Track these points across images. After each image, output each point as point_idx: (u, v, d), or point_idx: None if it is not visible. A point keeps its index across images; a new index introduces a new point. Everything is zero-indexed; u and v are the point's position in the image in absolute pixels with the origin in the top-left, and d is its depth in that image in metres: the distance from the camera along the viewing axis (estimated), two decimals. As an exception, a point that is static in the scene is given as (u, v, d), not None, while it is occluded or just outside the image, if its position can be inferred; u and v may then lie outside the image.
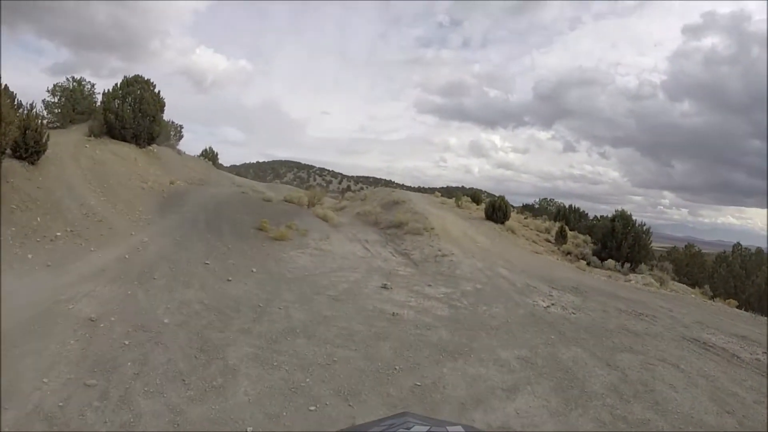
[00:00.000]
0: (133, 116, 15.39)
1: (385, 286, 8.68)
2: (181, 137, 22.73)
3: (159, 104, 16.15)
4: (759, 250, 18.82)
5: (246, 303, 7.09)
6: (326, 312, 7.06)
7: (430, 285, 9.31)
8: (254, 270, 8.75)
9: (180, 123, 23.15)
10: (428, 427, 1.20)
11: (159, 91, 16.22)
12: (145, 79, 16.19)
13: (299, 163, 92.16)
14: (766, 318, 11.26)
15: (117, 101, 15.45)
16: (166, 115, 18.08)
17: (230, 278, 8.09)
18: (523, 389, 5.47)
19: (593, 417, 5.04)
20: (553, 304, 9.06)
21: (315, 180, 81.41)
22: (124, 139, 15.17)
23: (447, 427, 1.23)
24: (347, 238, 12.55)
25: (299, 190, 19.56)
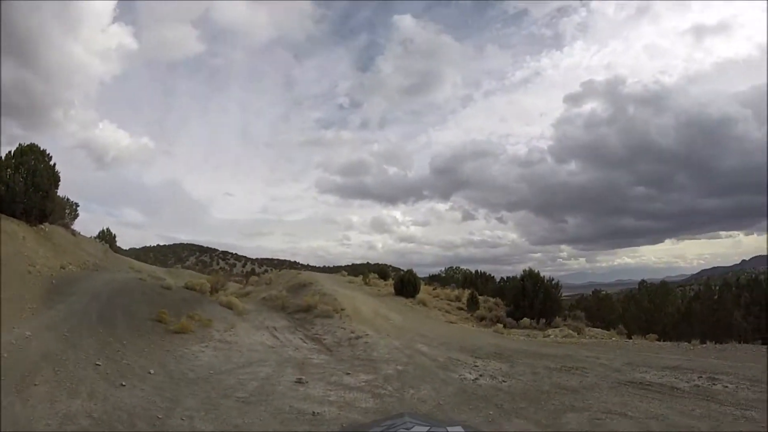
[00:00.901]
0: (25, 189, 15.87)
1: (300, 381, 8.99)
2: (76, 216, 23.30)
3: (54, 178, 16.87)
4: (663, 282, 22.60)
5: (142, 415, 6.82)
6: (237, 420, 6.98)
7: (348, 373, 9.71)
8: (152, 371, 8.75)
9: (76, 201, 23.63)
10: (428, 427, 1.41)
11: (54, 164, 16.98)
12: (41, 149, 16.87)
13: (202, 246, 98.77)
14: (687, 343, 13.10)
15: (9, 171, 15.83)
16: (62, 191, 18.86)
17: (124, 382, 7.98)
18: None
19: None
20: (481, 375, 9.59)
21: (218, 264, 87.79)
22: (12, 215, 15.46)
23: (447, 428, 1.47)
24: (254, 326, 13.32)
25: (201, 276, 20.93)
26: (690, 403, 7.64)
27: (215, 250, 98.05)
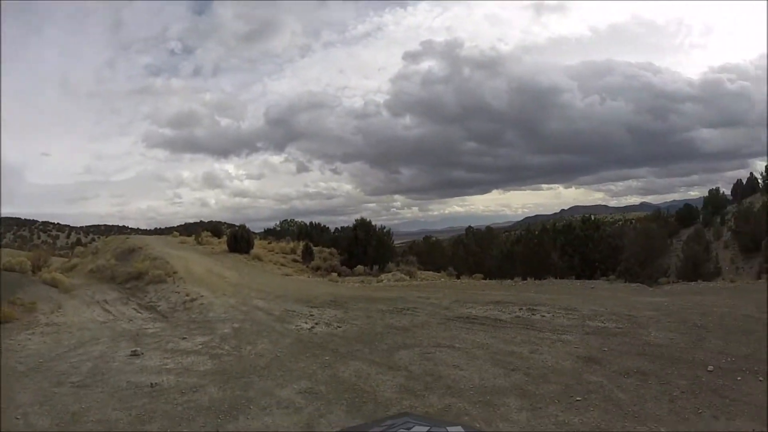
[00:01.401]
0: None
1: (135, 353, 9.17)
2: None
3: None
4: (489, 228, 26.07)
5: (-25, 422, 6.33)
6: (74, 407, 6.91)
7: (184, 338, 10.05)
8: (-23, 372, 8.19)
9: None
10: (428, 427, 1.50)
11: None
12: None
13: (19, 219, 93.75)
14: (510, 281, 15.27)
15: None
16: None
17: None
18: (317, 424, 5.87)
19: None
20: (317, 324, 10.33)
21: (39, 237, 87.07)
22: None
23: (447, 428, 1.54)
24: (83, 302, 13.36)
25: (21, 253, 19.71)
26: (512, 331, 8.93)
27: (35, 221, 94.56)
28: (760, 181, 45.72)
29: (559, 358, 7.48)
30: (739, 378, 6.41)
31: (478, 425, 5.19)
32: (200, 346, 9.35)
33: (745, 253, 30.88)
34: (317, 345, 8.86)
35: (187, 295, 13.41)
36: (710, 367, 6.75)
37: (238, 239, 22.25)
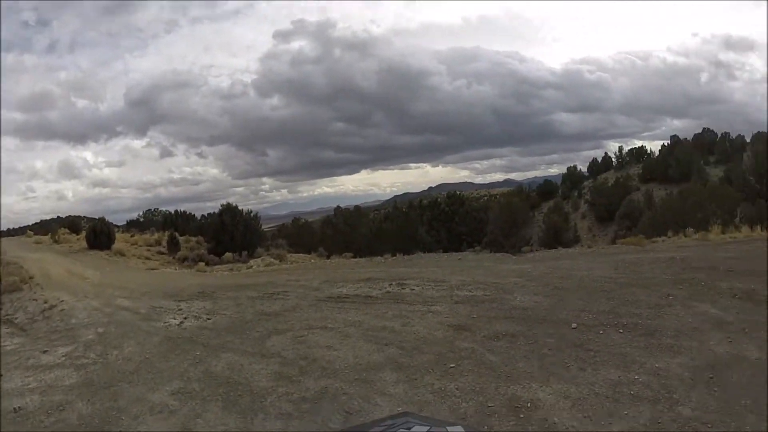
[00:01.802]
0: None
1: None
2: None
3: None
4: (357, 207, 26.05)
5: None
6: None
7: (46, 351, 9.11)
8: None
9: None
10: (428, 427, 1.52)
11: None
12: None
13: None
14: (380, 258, 15.32)
15: None
16: None
17: None
18: (194, 425, 5.51)
19: (275, 413, 5.52)
20: (185, 318, 9.72)
21: None
22: None
23: (447, 427, 1.58)
24: None
25: None
26: (383, 307, 8.83)
27: None
28: (613, 160, 51.67)
29: (430, 329, 7.49)
30: (601, 332, 6.79)
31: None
32: (63, 358, 8.54)
33: (600, 222, 34.49)
34: (187, 340, 8.34)
35: (46, 302, 12.19)
36: (574, 325, 7.08)
37: (97, 234, 20.91)
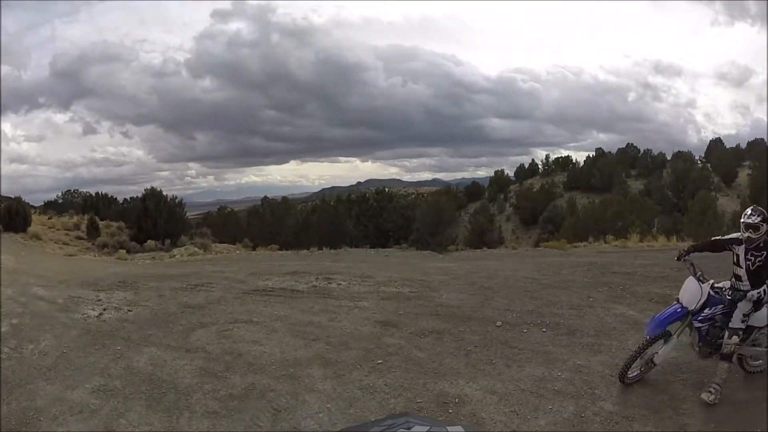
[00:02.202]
0: None
1: None
2: None
3: None
4: (284, 198, 25.60)
5: None
6: None
7: None
8: None
9: None
10: (428, 427, 1.65)
11: None
12: None
13: None
14: (307, 251, 15.16)
15: None
16: None
17: None
18: (117, 425, 5.27)
19: (202, 412, 5.34)
20: (105, 310, 9.14)
21: None
22: None
23: (447, 427, 1.71)
24: None
25: None
26: (310, 301, 8.72)
27: None
28: (540, 167, 53.77)
29: (357, 325, 7.47)
30: (525, 330, 6.99)
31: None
32: (-26, 353, 7.65)
33: (524, 225, 35.95)
34: (107, 334, 7.85)
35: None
36: (498, 323, 7.25)
37: (12, 216, 19.34)
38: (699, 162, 46.28)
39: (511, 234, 33.32)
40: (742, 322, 5.19)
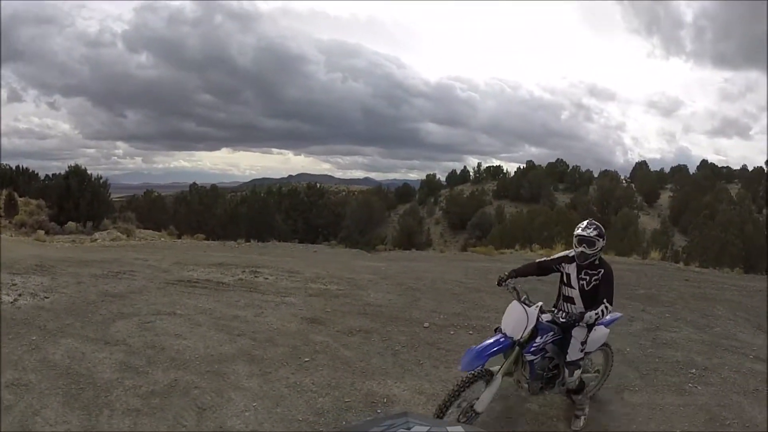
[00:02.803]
0: None
1: None
2: None
3: None
4: (214, 186, 25.09)
5: None
6: None
7: None
8: None
9: None
10: (428, 427, 1.65)
11: None
12: None
13: None
14: (234, 242, 14.89)
15: None
16: None
17: None
18: (32, 425, 4.91)
19: (122, 409, 5.10)
20: (20, 295, 8.58)
21: None
22: None
23: (447, 428, 1.72)
24: None
25: None
26: (235, 295, 8.56)
27: None
28: (471, 174, 55.46)
29: (284, 321, 7.39)
30: (452, 332, 7.15)
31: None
32: None
33: (453, 229, 36.96)
34: (22, 322, 7.35)
35: None
36: (426, 324, 7.38)
37: None
38: (624, 181, 49.60)
39: (440, 237, 34.30)
40: (581, 351, 4.77)
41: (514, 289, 4.77)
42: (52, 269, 10.30)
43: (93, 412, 5.08)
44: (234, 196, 28.61)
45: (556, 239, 18.96)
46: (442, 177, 56.71)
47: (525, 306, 4.60)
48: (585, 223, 4.83)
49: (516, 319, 4.56)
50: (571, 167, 53.52)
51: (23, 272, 10.04)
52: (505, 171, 54.15)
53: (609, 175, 49.73)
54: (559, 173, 52.30)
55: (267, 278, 9.78)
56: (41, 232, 17.21)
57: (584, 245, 4.68)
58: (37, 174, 27.79)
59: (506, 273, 4.90)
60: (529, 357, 4.59)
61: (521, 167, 52.85)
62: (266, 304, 8.10)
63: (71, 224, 18.63)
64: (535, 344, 4.60)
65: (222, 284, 9.27)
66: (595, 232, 4.67)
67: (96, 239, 16.56)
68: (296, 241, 17.03)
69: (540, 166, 52.81)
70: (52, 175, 26.12)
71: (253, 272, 10.12)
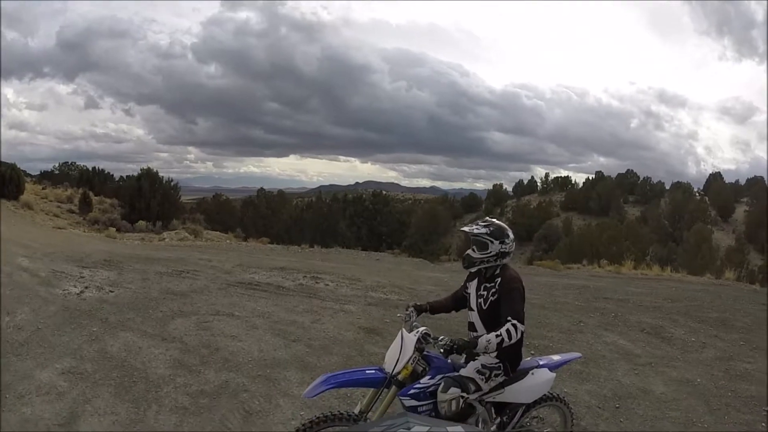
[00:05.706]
0: None
1: None
2: None
3: None
4: (281, 192, 25.65)
5: None
6: None
7: None
8: None
9: None
10: (428, 428, 1.82)
11: None
12: None
13: None
14: (297, 247, 15.00)
15: None
16: None
17: None
18: (81, 412, 4.96)
19: (170, 406, 5.09)
20: (86, 288, 8.94)
21: None
22: None
23: (447, 428, 1.93)
24: None
25: None
26: (295, 300, 8.52)
27: None
28: (538, 184, 54.23)
29: (341, 329, 7.26)
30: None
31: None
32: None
33: (519, 241, 36.01)
34: (85, 313, 7.61)
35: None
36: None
37: (6, 182, 19.32)
38: (697, 194, 46.56)
39: (506, 249, 33.65)
40: (478, 373, 3.50)
41: (409, 316, 3.74)
42: (119, 265, 10.66)
43: (141, 406, 5.11)
44: (300, 201, 29.11)
45: (626, 255, 18.04)
46: (509, 187, 55.63)
47: (404, 333, 3.52)
48: (479, 220, 3.72)
49: (392, 348, 3.51)
50: (641, 178, 51.10)
51: (92, 266, 10.47)
52: (573, 182, 52.54)
53: (681, 187, 46.86)
54: (629, 184, 50.02)
55: (327, 284, 9.72)
56: (112, 229, 18.08)
57: (473, 247, 3.56)
58: (112, 175, 28.96)
59: (417, 304, 3.89)
60: (408, 402, 3.35)
61: (590, 178, 50.99)
62: (324, 311, 8.02)
63: (141, 223, 19.47)
64: (417, 385, 3.38)
65: (282, 288, 9.30)
66: (485, 229, 3.54)
67: (164, 238, 17.13)
68: (360, 249, 17.06)
69: (609, 177, 50.71)
70: (126, 176, 27.20)
71: (314, 278, 10.09)
